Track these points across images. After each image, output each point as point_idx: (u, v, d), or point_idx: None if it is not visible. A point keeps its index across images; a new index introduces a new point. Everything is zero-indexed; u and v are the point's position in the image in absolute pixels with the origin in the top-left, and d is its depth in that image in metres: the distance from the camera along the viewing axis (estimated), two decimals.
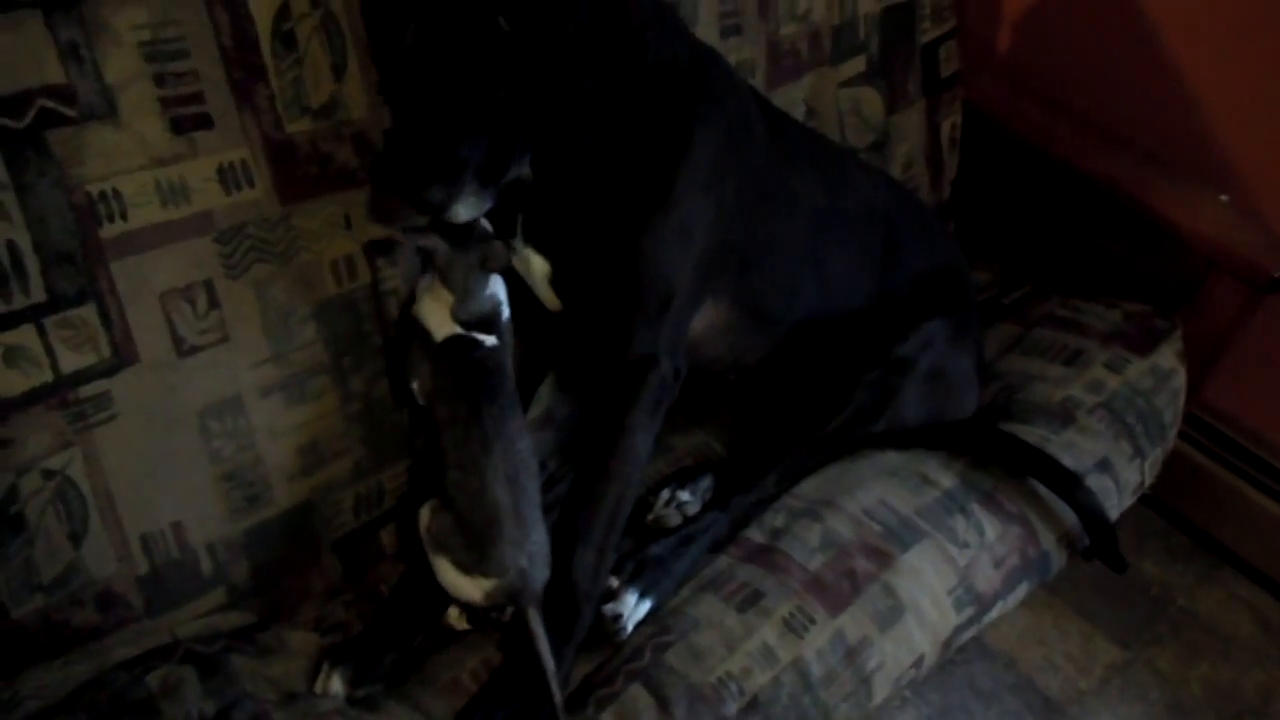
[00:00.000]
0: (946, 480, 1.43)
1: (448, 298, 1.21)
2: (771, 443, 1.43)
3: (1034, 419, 1.54)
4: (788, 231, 1.39)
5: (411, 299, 1.28)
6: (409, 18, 1.04)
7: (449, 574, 1.15)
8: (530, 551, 1.14)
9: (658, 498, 1.40)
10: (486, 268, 1.21)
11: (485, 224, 1.23)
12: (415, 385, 1.24)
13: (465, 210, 1.07)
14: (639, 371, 1.23)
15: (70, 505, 1.11)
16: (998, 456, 1.47)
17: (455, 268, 1.20)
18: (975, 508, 1.40)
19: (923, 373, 1.44)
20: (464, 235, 1.19)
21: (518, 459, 1.18)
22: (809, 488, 1.41)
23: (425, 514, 1.18)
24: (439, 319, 1.22)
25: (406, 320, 1.27)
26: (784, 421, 1.46)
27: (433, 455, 1.20)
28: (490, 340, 1.22)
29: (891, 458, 1.46)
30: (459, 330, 1.21)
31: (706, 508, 1.37)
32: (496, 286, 1.24)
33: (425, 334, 1.22)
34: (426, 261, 1.25)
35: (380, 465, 1.34)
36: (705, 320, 1.35)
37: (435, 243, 1.18)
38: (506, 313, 1.26)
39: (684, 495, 1.40)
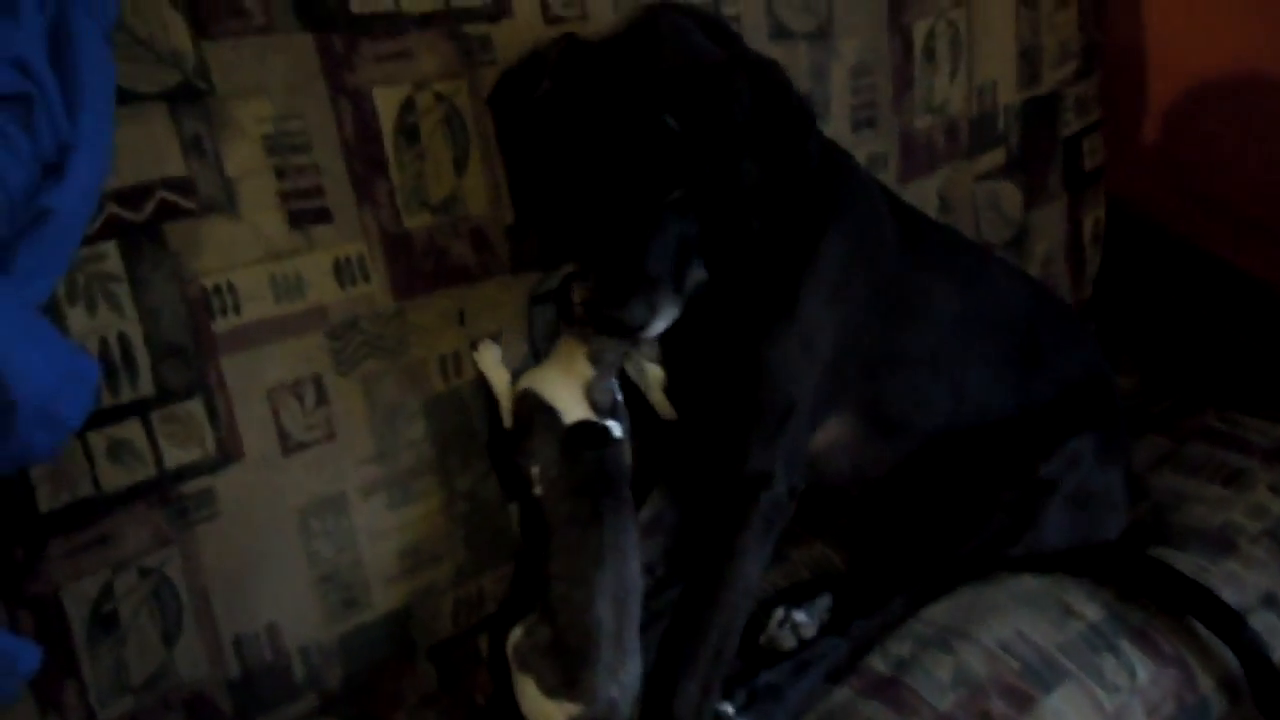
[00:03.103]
0: (1092, 612, 1.30)
1: (583, 373, 1.16)
2: (897, 561, 1.34)
3: (1190, 545, 1.42)
4: (920, 340, 1.32)
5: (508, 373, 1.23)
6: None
7: (533, 697, 1.09)
8: (623, 682, 1.08)
9: (771, 617, 1.31)
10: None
11: None
12: (536, 470, 1.17)
13: (662, 324, 1.06)
14: (752, 490, 1.17)
15: (165, 604, 1.08)
16: (1148, 587, 1.34)
17: (609, 344, 1.16)
18: (1125, 645, 1.28)
19: (1068, 494, 1.33)
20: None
21: (629, 579, 1.12)
22: (938, 613, 1.30)
23: (518, 630, 1.12)
24: (569, 398, 1.17)
25: (524, 402, 1.20)
26: (911, 539, 1.36)
27: (536, 562, 1.13)
28: (618, 430, 1.17)
29: (1029, 582, 1.34)
30: (591, 416, 1.16)
31: (824, 631, 1.28)
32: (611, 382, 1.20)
33: (550, 413, 1.17)
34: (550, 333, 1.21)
35: (482, 569, 1.29)
36: (828, 434, 1.29)
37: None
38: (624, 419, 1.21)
39: (800, 616, 1.31)
